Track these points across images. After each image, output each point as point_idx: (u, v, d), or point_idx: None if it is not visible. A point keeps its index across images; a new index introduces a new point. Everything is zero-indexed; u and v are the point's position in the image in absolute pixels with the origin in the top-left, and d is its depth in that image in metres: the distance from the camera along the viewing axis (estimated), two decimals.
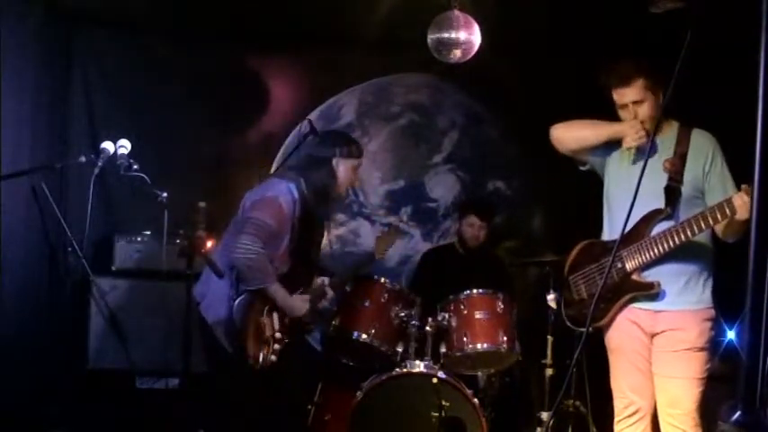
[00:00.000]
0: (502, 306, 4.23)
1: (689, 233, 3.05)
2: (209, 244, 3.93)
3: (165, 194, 3.75)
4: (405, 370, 4.06)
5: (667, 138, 3.25)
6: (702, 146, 3.23)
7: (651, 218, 3.17)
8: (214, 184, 5.06)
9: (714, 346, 3.31)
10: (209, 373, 3.84)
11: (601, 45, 4.51)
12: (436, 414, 3.90)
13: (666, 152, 3.22)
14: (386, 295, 4.21)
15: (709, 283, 3.24)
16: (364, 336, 4.11)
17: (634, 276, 3.21)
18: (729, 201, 2.95)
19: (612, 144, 3.32)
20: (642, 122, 3.21)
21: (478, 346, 4.14)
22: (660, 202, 3.18)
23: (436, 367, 4.08)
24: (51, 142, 4.91)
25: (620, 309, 3.27)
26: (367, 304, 4.18)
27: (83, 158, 3.89)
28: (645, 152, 3.07)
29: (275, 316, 3.72)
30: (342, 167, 3.76)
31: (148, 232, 4.83)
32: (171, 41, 5.21)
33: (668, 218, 3.16)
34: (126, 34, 5.17)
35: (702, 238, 3.15)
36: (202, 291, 3.67)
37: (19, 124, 4.41)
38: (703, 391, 3.17)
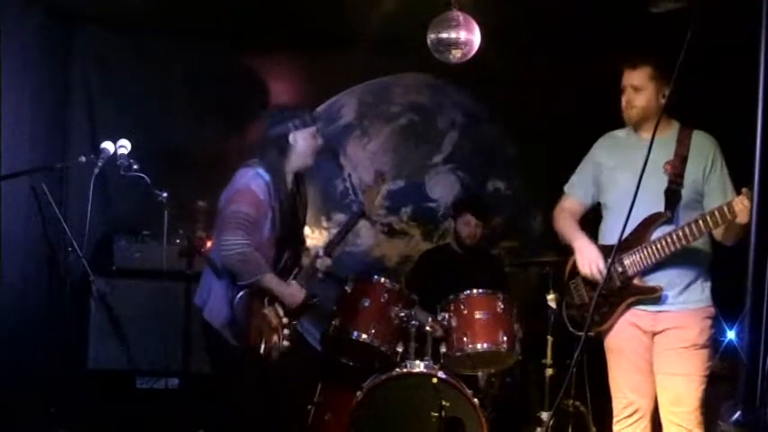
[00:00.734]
0: (502, 306, 4.23)
1: (690, 237, 3.05)
2: (209, 244, 3.94)
3: (165, 194, 3.75)
4: (405, 370, 4.06)
5: (667, 138, 3.23)
6: (703, 148, 3.23)
7: (652, 222, 3.16)
8: (214, 184, 5.04)
9: (714, 345, 3.31)
10: (211, 374, 3.85)
11: (601, 45, 4.51)
12: (436, 414, 3.90)
13: (666, 153, 3.21)
14: (386, 295, 4.21)
15: (708, 284, 3.25)
16: (364, 336, 4.10)
17: (636, 281, 3.21)
18: (730, 204, 2.95)
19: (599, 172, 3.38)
20: (627, 105, 3.24)
21: (478, 346, 4.14)
22: (660, 205, 3.18)
23: (436, 367, 4.08)
24: (51, 142, 4.90)
25: (623, 313, 3.27)
26: (367, 304, 4.17)
27: (83, 158, 3.88)
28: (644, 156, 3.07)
29: (276, 303, 3.72)
30: (300, 139, 3.70)
31: (148, 232, 4.82)
32: (171, 41, 5.21)
33: (668, 221, 3.16)
34: (126, 34, 5.15)
35: (701, 240, 3.14)
36: (203, 298, 3.67)
37: (19, 124, 4.40)
38: (705, 389, 3.17)
